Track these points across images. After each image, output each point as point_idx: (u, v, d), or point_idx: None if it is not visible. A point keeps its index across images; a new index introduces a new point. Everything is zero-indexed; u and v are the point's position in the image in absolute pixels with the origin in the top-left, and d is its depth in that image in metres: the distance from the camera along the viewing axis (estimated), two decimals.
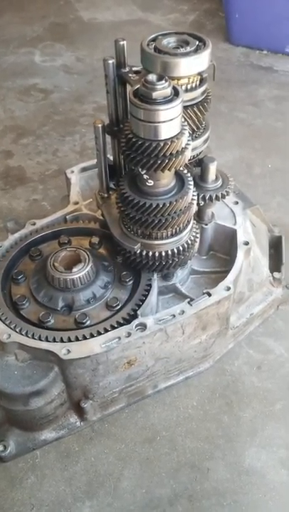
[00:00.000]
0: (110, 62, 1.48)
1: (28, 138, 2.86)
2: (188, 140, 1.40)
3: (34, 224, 1.80)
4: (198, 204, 1.66)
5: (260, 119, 3.02)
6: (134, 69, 1.52)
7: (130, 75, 1.50)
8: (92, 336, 1.47)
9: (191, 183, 1.54)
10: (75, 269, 1.57)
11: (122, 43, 1.49)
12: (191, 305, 1.56)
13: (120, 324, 1.51)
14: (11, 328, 1.47)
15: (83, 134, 2.89)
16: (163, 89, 1.28)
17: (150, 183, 1.45)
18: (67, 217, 1.85)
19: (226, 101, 3.11)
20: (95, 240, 1.74)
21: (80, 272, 1.56)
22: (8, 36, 3.89)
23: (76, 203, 1.89)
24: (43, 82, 3.35)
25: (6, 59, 3.61)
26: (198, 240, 1.69)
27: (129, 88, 1.50)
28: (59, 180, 2.54)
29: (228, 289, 1.61)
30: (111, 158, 1.75)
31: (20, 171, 2.64)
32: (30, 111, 3.08)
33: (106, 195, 1.76)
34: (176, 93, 1.32)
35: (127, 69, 1.52)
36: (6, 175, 2.61)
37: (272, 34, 3.50)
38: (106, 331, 1.49)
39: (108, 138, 1.63)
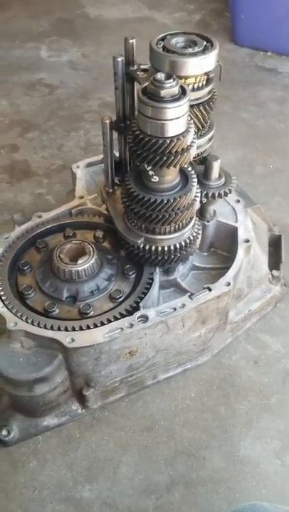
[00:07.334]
0: (119, 59, 1.52)
1: (33, 132, 2.90)
2: (194, 138, 1.44)
3: (40, 217, 1.84)
4: (200, 201, 1.70)
5: (263, 120, 3.06)
6: (142, 67, 1.56)
7: (138, 72, 1.55)
8: (95, 326, 1.52)
9: (195, 180, 1.58)
10: (80, 261, 1.61)
11: (131, 41, 1.53)
12: (191, 299, 1.60)
13: (123, 316, 1.55)
14: (17, 317, 1.51)
15: (88, 130, 2.93)
16: (171, 88, 1.32)
17: (155, 179, 1.49)
18: (72, 211, 1.89)
19: (229, 101, 3.15)
20: (100, 233, 1.78)
21: (85, 264, 1.61)
22: (15, 30, 3.91)
23: (81, 198, 1.92)
24: (49, 78, 3.38)
25: (13, 53, 3.63)
26: (200, 236, 1.72)
27: (136, 85, 1.55)
28: (63, 175, 2.58)
29: (228, 284, 1.65)
30: (117, 154, 1.79)
31: (26, 164, 2.68)
32: (36, 105, 3.12)
33: (111, 190, 1.80)
34: (183, 92, 1.36)
35: (136, 67, 1.56)
36: (12, 168, 2.65)
37: (278, 36, 3.53)
38: (109, 321, 1.53)
39: (115, 134, 1.67)
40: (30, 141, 2.84)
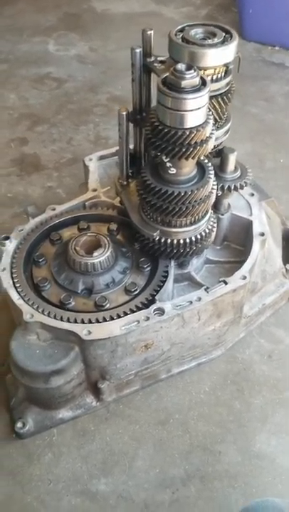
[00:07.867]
0: (138, 51, 1.50)
1: (42, 126, 2.89)
2: (212, 130, 1.43)
3: (54, 209, 1.83)
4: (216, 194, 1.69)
5: (272, 115, 3.04)
6: (159, 58, 1.55)
7: (156, 64, 1.53)
8: (112, 318, 1.51)
9: (212, 172, 1.57)
10: (95, 254, 1.60)
11: (149, 32, 1.51)
12: (207, 292, 1.60)
13: (138, 309, 1.54)
14: (33, 309, 1.50)
15: (97, 123, 2.91)
16: (191, 79, 1.31)
17: (173, 170, 1.48)
18: (86, 203, 1.88)
19: (238, 95, 3.08)
20: (113, 226, 1.77)
21: (101, 257, 1.60)
22: (22, 25, 3.89)
23: (95, 190, 1.91)
24: (57, 71, 3.36)
25: (20, 47, 3.61)
26: (215, 229, 1.71)
27: (153, 77, 1.54)
28: (73, 169, 2.57)
29: (244, 278, 1.64)
30: (131, 146, 1.78)
31: (35, 158, 2.67)
32: (45, 99, 3.10)
33: (125, 182, 1.79)
34: (203, 83, 1.35)
35: (153, 58, 1.55)
36: (21, 161, 2.64)
37: (285, 30, 3.52)
38: (125, 314, 1.52)
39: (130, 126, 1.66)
40: (39, 135, 2.83)
